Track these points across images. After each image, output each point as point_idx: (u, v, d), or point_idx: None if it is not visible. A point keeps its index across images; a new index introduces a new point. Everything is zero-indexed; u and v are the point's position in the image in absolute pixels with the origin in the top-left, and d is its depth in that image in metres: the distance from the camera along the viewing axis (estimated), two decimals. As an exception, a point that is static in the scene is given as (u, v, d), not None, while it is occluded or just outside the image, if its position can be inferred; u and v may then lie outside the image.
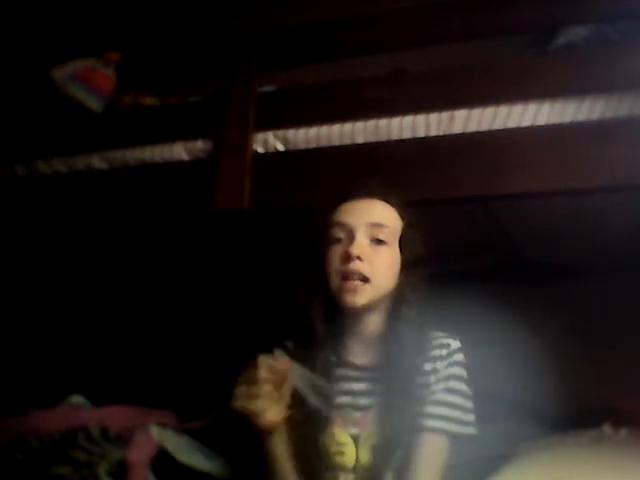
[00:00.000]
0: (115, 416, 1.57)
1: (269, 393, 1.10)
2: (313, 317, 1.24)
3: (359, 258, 1.19)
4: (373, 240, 1.22)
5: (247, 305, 2.29)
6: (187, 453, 1.47)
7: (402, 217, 1.26)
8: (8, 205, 1.86)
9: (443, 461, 1.17)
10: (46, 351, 2.32)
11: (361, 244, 1.20)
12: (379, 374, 1.23)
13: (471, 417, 1.20)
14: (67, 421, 1.52)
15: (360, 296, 1.19)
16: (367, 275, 1.19)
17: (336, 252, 1.22)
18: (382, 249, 1.22)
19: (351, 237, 1.22)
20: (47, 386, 1.96)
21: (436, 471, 1.16)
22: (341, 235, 1.23)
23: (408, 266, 1.24)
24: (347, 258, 1.19)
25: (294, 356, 1.16)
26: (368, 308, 1.22)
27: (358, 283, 1.19)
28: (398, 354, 1.20)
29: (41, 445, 1.46)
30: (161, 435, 1.48)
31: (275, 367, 1.10)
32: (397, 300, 1.24)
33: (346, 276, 1.20)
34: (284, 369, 1.11)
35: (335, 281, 1.21)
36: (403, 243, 1.24)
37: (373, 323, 1.25)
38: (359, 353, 1.26)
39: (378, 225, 1.22)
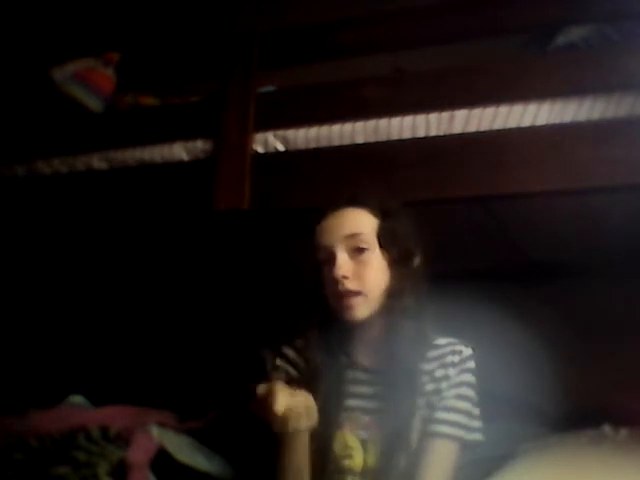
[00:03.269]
0: (115, 416, 1.57)
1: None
2: (311, 326, 1.25)
3: (345, 277, 1.19)
4: (354, 250, 1.21)
5: (247, 305, 2.29)
6: (187, 453, 1.47)
7: (375, 215, 1.24)
8: (8, 205, 1.86)
9: (452, 466, 1.17)
10: (46, 351, 2.32)
11: (343, 264, 1.20)
12: (384, 376, 1.22)
13: (479, 423, 1.21)
14: (67, 421, 1.52)
15: (359, 310, 1.20)
16: (359, 290, 1.19)
17: (327, 273, 1.22)
18: (365, 257, 1.21)
19: (333, 258, 1.21)
20: (47, 386, 1.96)
21: (445, 476, 1.16)
22: (325, 257, 1.23)
23: (394, 261, 1.23)
24: (335, 281, 1.20)
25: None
26: (370, 316, 1.22)
27: (354, 299, 1.19)
28: (397, 349, 1.20)
29: (41, 445, 1.46)
30: (161, 435, 1.48)
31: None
32: (390, 295, 1.23)
33: (340, 296, 1.20)
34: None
35: (332, 301, 1.22)
36: (382, 240, 1.23)
37: (375, 326, 1.24)
38: (367, 355, 1.26)
39: (353, 235, 1.22)
